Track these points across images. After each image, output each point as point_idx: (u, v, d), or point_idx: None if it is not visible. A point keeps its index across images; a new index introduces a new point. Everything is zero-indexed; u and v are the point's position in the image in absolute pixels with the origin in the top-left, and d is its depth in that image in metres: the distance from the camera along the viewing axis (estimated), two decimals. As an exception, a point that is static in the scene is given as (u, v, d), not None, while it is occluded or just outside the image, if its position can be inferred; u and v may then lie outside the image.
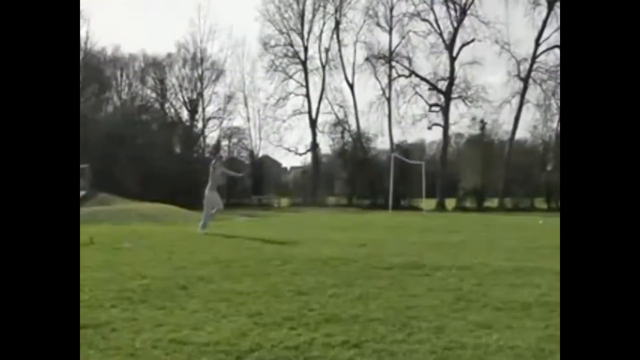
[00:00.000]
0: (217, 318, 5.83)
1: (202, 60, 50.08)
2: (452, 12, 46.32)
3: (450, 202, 44.05)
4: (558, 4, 43.60)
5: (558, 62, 44.57)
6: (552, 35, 44.19)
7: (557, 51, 44.21)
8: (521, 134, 47.28)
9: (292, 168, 63.15)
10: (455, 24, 46.14)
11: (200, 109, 50.75)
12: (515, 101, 45.20)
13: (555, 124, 45.70)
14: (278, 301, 6.60)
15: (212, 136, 51.93)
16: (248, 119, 51.67)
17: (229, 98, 50.96)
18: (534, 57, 44.65)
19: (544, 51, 44.85)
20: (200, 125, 51.15)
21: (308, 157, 51.53)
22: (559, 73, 44.70)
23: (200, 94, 50.43)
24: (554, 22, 43.90)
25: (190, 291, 7.09)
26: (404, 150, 44.33)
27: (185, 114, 52.03)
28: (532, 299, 6.78)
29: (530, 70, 44.80)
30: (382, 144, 49.38)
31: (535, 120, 46.48)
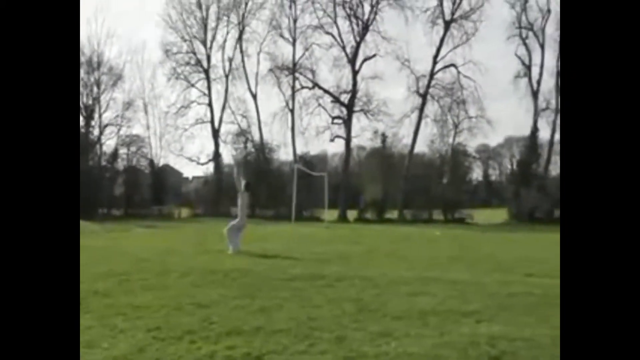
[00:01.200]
0: (113, 334, 5.61)
1: (99, 64, 48.23)
2: (355, 27, 47.33)
3: (352, 214, 44.79)
4: (454, 24, 45.70)
5: (454, 79, 46.59)
6: (449, 54, 46.21)
7: (453, 69, 46.21)
8: (420, 147, 48.97)
9: (194, 178, 62.04)
10: (357, 39, 47.14)
11: (96, 115, 48.84)
12: (415, 116, 46.71)
13: (451, 138, 47.70)
14: (178, 314, 6.44)
15: (109, 144, 50.04)
16: (148, 127, 50.26)
17: (128, 105, 49.36)
18: (432, 74, 46.38)
19: (441, 69, 46.73)
20: (96, 132, 49.20)
21: (210, 167, 50.82)
22: (454, 90, 46.73)
23: (97, 100, 48.53)
24: (450, 42, 45.98)
25: (84, 306, 6.78)
26: (307, 161, 44.65)
27: (80, 120, 49.89)
28: (429, 307, 6.99)
29: (428, 86, 46.47)
30: (285, 154, 49.56)
31: (432, 135, 48.21)
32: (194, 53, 49.04)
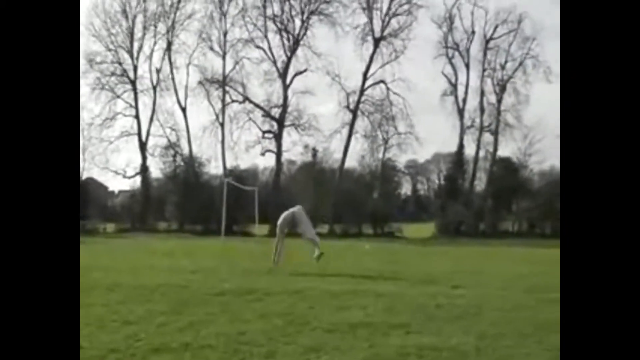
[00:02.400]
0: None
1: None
2: (286, 42, 47.58)
3: (282, 228, 44.68)
4: (384, 42, 46.65)
5: (384, 96, 47.47)
6: (378, 70, 47.12)
7: (383, 86, 47.10)
8: (350, 162, 49.51)
9: (120, 192, 60.37)
10: (288, 53, 47.38)
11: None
12: (345, 131, 47.28)
13: (380, 154, 48.50)
14: (102, 332, 6.22)
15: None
16: (71, 139, 48.54)
17: (51, 116, 47.59)
18: (362, 90, 47.16)
19: (371, 85, 47.57)
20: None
21: (137, 181, 49.57)
22: (384, 106, 47.58)
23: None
24: (380, 59, 46.90)
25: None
26: (237, 175, 44.28)
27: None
28: (359, 320, 7.04)
29: (358, 102, 47.18)
30: (215, 168, 48.96)
31: (363, 150, 48.91)
32: (120, 63, 47.78)
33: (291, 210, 14.58)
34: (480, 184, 49.52)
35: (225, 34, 47.20)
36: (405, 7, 46.90)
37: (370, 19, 46.95)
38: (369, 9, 46.83)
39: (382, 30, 46.91)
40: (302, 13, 47.28)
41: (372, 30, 46.93)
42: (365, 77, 47.02)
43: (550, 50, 56.79)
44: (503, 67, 47.70)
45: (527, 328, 6.66)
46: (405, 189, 67.26)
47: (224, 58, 47.19)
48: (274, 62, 47.46)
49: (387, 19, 46.89)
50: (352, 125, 47.24)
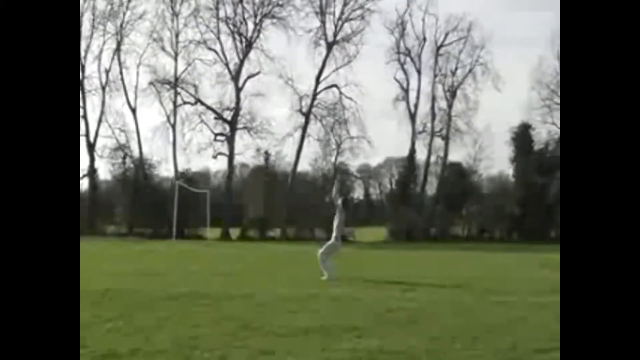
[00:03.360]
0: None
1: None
2: (239, 44, 47.16)
3: (234, 232, 44.35)
4: (337, 46, 46.85)
5: (336, 100, 47.58)
6: (331, 74, 47.25)
7: (336, 90, 47.22)
8: (303, 166, 49.42)
9: (67, 194, 58.82)
10: (241, 56, 47.00)
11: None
12: (298, 135, 47.14)
13: (333, 158, 48.61)
14: (47, 339, 6.02)
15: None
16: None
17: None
18: (315, 94, 47.18)
19: (324, 89, 47.64)
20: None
21: (85, 183, 48.37)
22: (336, 110, 47.75)
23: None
24: (333, 63, 47.05)
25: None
26: (188, 178, 43.69)
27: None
28: (310, 323, 7.03)
29: (311, 106, 47.17)
30: (166, 171, 48.06)
31: (315, 154, 48.90)
32: (68, 63, 46.64)
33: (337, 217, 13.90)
34: (431, 189, 50.17)
35: (177, 34, 46.54)
36: (358, 12, 47.22)
37: (323, 23, 47.06)
38: (322, 13, 46.95)
39: (335, 35, 47.07)
40: (255, 16, 47.04)
41: (325, 35, 47.05)
42: (318, 81, 47.09)
43: (498, 58, 58.00)
44: (453, 74, 48.51)
45: (477, 331, 6.77)
46: (358, 193, 67.70)
47: (175, 59, 46.52)
48: (227, 65, 47.04)
49: (340, 23, 47.10)
50: (304, 128, 47.23)
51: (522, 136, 46.96)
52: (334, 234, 13.63)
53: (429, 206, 48.28)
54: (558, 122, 47.36)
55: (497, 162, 58.31)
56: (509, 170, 49.11)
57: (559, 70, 47.46)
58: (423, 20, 48.35)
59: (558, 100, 47.51)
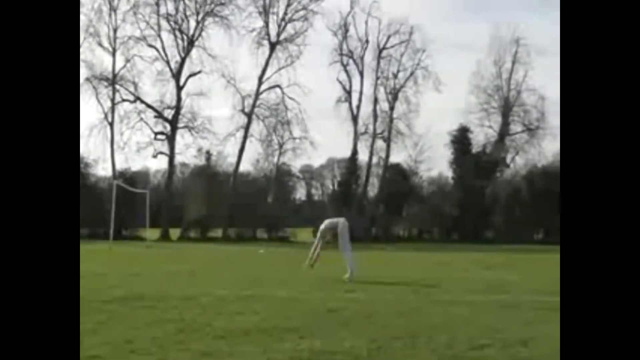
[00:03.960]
0: None
1: None
2: (180, 42, 46.46)
3: (175, 232, 43.66)
4: (279, 46, 46.80)
5: (279, 100, 47.54)
6: (274, 75, 47.18)
7: (278, 90, 47.19)
8: (245, 166, 49.16)
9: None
10: (182, 54, 46.32)
11: None
12: (240, 135, 46.89)
13: (275, 158, 48.56)
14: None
15: None
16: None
17: None
18: (257, 94, 46.99)
19: (266, 89, 47.53)
20: None
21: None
22: (279, 111, 47.69)
23: None
24: (276, 63, 46.99)
25: None
26: (127, 178, 42.68)
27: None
28: (252, 325, 6.98)
29: (253, 106, 46.97)
30: (103, 170, 46.87)
31: (258, 154, 48.73)
32: None
33: (338, 219, 14.14)
34: (372, 190, 50.80)
35: (115, 30, 45.44)
36: (301, 13, 47.35)
37: (266, 23, 46.97)
38: (265, 13, 46.84)
39: (278, 35, 47.05)
40: (197, 14, 46.47)
41: (268, 35, 46.96)
42: (260, 81, 46.94)
43: (439, 62, 59.12)
44: (395, 76, 49.24)
45: (417, 329, 6.87)
46: (300, 193, 67.74)
47: (114, 55, 45.42)
48: (167, 62, 46.30)
49: (283, 24, 47.10)
50: (247, 128, 46.97)
51: (461, 139, 48.11)
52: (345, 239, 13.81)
53: (370, 207, 48.84)
54: (495, 126, 48.80)
55: (437, 164, 59.48)
56: (448, 172, 50.25)
57: (495, 75, 48.97)
58: (366, 22, 48.93)
59: (495, 104, 48.95)
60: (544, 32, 75.39)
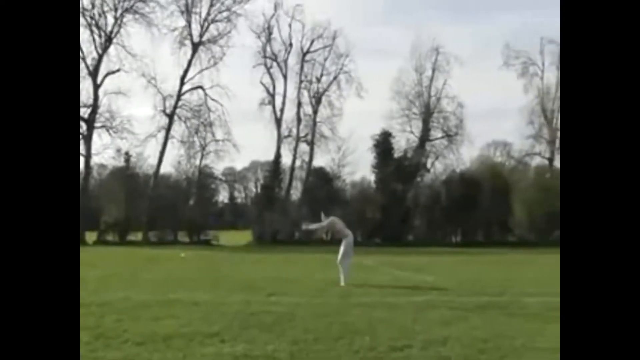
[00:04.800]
0: None
1: None
2: (97, 38, 44.91)
3: (91, 236, 42.17)
4: (202, 47, 46.11)
5: (201, 101, 46.79)
6: (196, 76, 46.39)
7: (201, 91, 46.41)
8: (166, 168, 48.10)
9: None
10: (100, 51, 44.77)
11: None
12: (161, 136, 45.81)
13: (198, 160, 47.81)
14: None
15: None
16: None
17: None
18: (179, 94, 46.12)
19: (189, 90, 46.70)
20: None
21: None
22: (201, 112, 46.96)
23: None
24: (198, 64, 46.24)
25: None
26: (41, 179, 40.91)
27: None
28: (172, 330, 6.83)
29: (175, 107, 46.05)
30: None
31: (179, 156, 47.82)
32: None
33: (348, 230, 13.93)
34: (296, 193, 50.89)
35: (29, 25, 43.48)
36: (225, 14, 46.83)
37: (189, 22, 46.15)
38: (187, 12, 46.01)
39: (201, 36, 46.35)
40: (116, 10, 45.06)
41: (190, 35, 46.16)
42: (182, 82, 46.08)
43: (362, 67, 59.87)
44: (319, 80, 49.57)
45: (338, 332, 6.91)
46: (223, 196, 67.04)
47: (27, 51, 43.43)
48: (84, 59, 44.66)
49: (206, 24, 46.43)
50: (168, 130, 45.99)
51: (383, 143, 48.94)
52: (343, 235, 13.70)
53: (293, 210, 48.89)
54: (416, 131, 49.97)
55: (360, 168, 60.29)
56: (371, 176, 51.01)
57: (416, 82, 50.20)
58: (290, 26, 49.00)
59: (416, 110, 50.15)
60: (462, 41, 78.05)
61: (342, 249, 13.35)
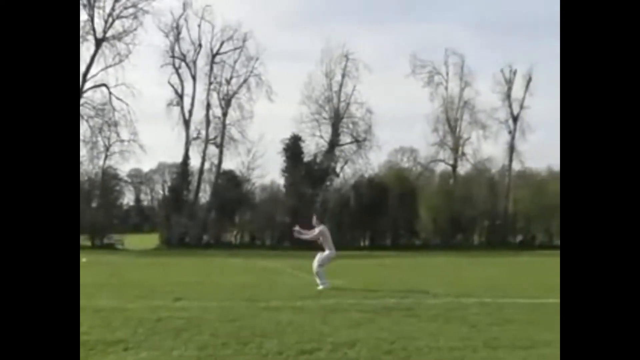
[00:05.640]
0: None
1: None
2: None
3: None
4: (106, 43, 44.52)
5: (105, 100, 45.18)
6: (100, 73, 44.72)
7: (105, 89, 44.84)
8: (67, 169, 46.07)
9: None
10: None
11: None
12: (62, 135, 43.98)
13: (101, 161, 46.18)
14: None
15: None
16: None
17: None
18: (81, 92, 44.36)
19: (91, 88, 44.93)
20: None
21: None
22: (105, 111, 45.34)
23: None
24: (102, 61, 44.59)
25: None
26: None
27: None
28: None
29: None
30: None
31: (81, 156, 45.98)
32: None
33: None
34: (205, 196, 50.19)
35: None
36: (131, 10, 45.53)
37: (92, 17, 44.46)
38: (90, 6, 44.26)
39: (105, 31, 44.80)
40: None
41: (93, 30, 44.50)
42: (84, 79, 44.31)
43: (272, 71, 59.71)
44: (229, 82, 49.18)
45: (247, 336, 6.84)
46: (128, 198, 65.05)
47: None
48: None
49: (110, 19, 44.92)
50: (71, 129, 44.09)
51: (293, 147, 49.17)
52: (328, 247, 13.47)
53: (202, 213, 48.15)
54: (325, 136, 50.58)
55: (269, 172, 60.29)
56: (281, 180, 51.10)
57: (326, 87, 50.78)
58: (199, 26, 48.37)
59: (326, 115, 50.74)
60: (371, 49, 79.82)
61: (319, 256, 13.34)
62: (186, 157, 47.86)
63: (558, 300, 10.92)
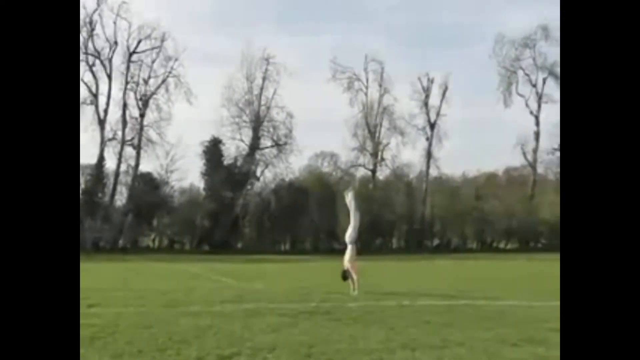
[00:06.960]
0: None
1: None
2: None
3: None
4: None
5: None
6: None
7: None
8: None
9: None
10: None
11: None
12: None
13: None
14: None
15: None
16: None
17: None
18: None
19: None
20: None
21: None
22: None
23: None
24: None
25: None
26: None
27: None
28: None
29: None
30: None
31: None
32: None
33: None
34: (121, 199, 48.74)
35: None
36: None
37: None
38: None
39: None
40: None
41: None
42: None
43: (191, 73, 58.79)
44: (146, 83, 48.05)
45: (164, 342, 6.69)
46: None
47: None
48: None
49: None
50: None
51: (213, 150, 48.59)
52: (352, 238, 13.73)
53: (117, 217, 46.73)
54: (246, 139, 50.34)
55: (189, 175, 59.27)
56: (200, 183, 50.36)
57: (247, 90, 50.51)
58: (114, 22, 47.01)
59: (246, 118, 50.48)
60: (292, 53, 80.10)
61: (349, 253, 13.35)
62: (101, 158, 46.36)
63: (469, 302, 11.30)
